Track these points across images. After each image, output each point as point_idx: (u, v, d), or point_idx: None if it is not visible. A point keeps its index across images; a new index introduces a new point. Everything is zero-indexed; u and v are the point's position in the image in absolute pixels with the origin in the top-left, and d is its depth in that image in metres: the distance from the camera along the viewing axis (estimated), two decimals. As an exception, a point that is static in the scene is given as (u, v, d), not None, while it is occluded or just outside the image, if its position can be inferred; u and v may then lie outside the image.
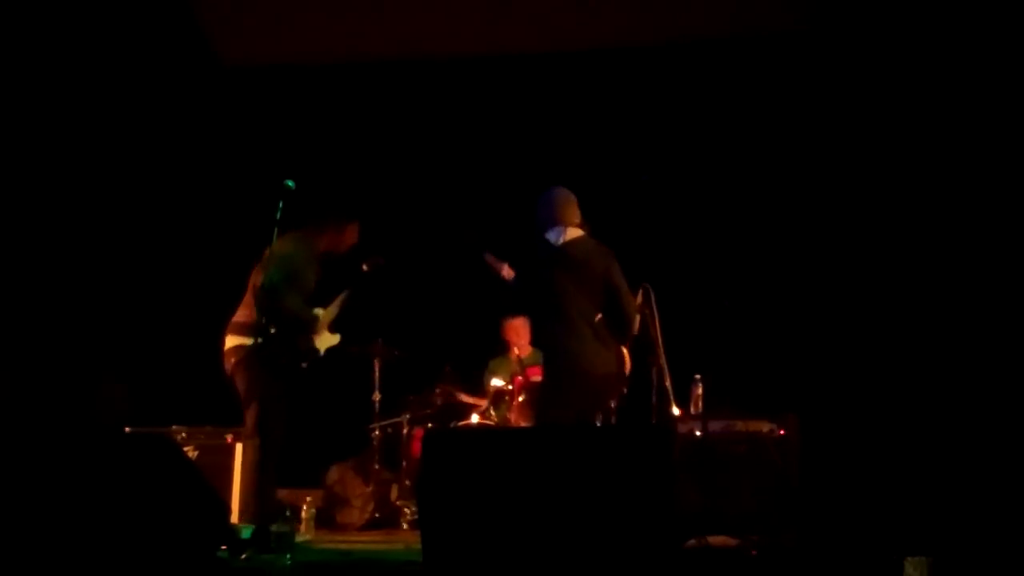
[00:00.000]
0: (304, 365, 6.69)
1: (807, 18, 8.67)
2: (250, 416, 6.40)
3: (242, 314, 6.52)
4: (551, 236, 6.10)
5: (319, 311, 6.77)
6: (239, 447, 7.25)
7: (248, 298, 6.54)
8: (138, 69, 8.58)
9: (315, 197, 6.69)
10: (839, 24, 8.51)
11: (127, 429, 7.23)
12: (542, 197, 6.28)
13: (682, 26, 8.98)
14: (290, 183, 6.24)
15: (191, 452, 7.21)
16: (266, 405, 6.31)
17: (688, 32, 9.03)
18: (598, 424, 6.21)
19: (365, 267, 7.04)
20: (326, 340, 6.88)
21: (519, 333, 8.45)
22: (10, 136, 7.29)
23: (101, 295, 8.25)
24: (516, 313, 8.42)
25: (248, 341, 6.37)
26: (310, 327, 6.70)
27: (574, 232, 6.11)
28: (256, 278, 6.49)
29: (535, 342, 6.95)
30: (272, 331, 6.27)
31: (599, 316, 6.00)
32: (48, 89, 7.62)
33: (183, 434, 7.43)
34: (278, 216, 6.19)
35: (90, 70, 8.07)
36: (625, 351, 6.22)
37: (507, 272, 6.48)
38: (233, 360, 6.45)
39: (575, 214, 6.19)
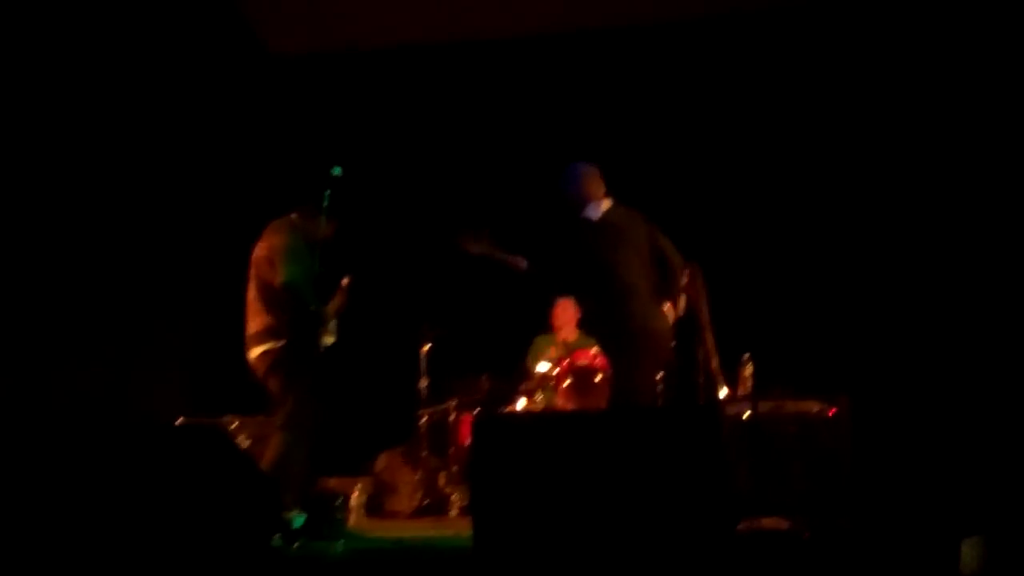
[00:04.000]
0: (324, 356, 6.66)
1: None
2: (284, 411, 6.37)
3: (257, 323, 6.44)
4: (590, 213, 6.33)
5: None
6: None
7: (257, 306, 6.44)
8: (186, 59, 8.61)
9: (362, 184, 6.68)
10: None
11: (180, 420, 7.29)
12: (566, 176, 6.46)
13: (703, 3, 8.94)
14: (337, 170, 6.24)
15: (243, 442, 7.25)
16: (300, 401, 6.28)
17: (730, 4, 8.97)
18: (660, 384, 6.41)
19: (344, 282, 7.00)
20: (330, 336, 6.78)
21: (568, 314, 8.42)
22: (64, 125, 7.33)
23: (154, 286, 8.30)
24: (561, 294, 8.40)
25: (272, 345, 6.37)
26: (325, 321, 6.64)
27: (607, 203, 6.37)
28: (261, 281, 6.45)
29: (593, 317, 6.87)
30: (299, 328, 6.29)
31: (648, 275, 6.24)
32: (98, 79, 7.66)
33: (235, 424, 7.47)
34: (325, 204, 6.20)
35: (138, 61, 8.10)
36: (671, 305, 6.38)
37: (521, 263, 6.46)
38: (263, 367, 6.41)
39: (600, 185, 6.43)
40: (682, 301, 6.34)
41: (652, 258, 6.30)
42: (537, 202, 8.25)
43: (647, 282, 6.24)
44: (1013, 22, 7.84)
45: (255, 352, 6.45)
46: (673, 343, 6.36)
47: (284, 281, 6.29)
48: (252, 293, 6.51)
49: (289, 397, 6.32)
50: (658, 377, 6.43)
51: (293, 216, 6.58)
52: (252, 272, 6.53)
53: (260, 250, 6.50)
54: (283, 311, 6.32)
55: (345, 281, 6.86)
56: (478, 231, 6.43)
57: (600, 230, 6.27)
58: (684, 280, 6.34)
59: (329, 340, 6.73)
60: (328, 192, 6.20)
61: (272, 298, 6.37)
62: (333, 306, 6.76)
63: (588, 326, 7.90)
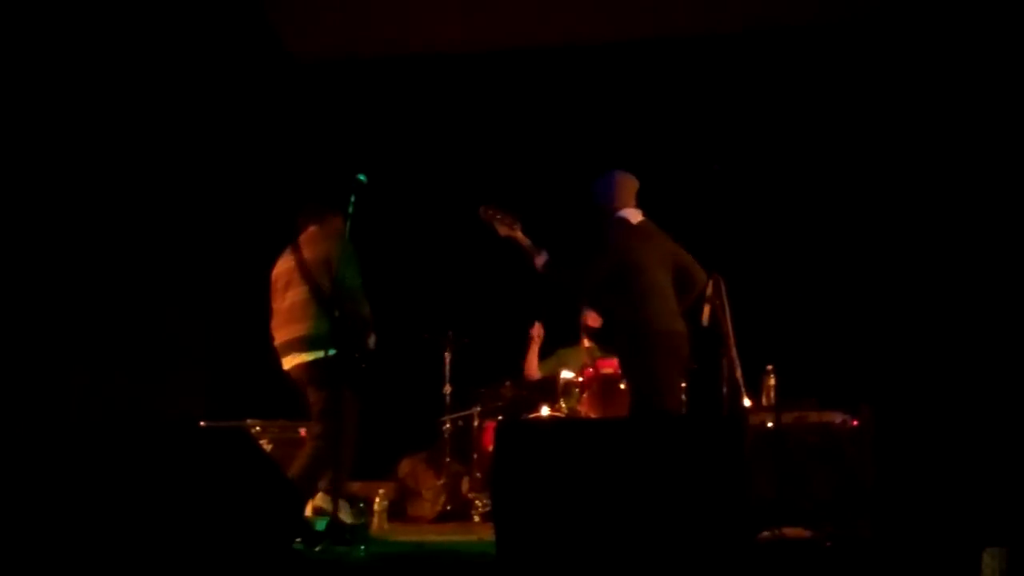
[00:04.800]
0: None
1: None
2: (323, 416, 6.38)
3: (299, 329, 6.44)
4: (627, 215, 6.40)
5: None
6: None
7: (309, 310, 6.43)
8: (211, 64, 8.67)
9: (387, 190, 6.70)
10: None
11: (202, 423, 7.33)
12: (607, 179, 6.54)
13: (763, 12, 8.95)
14: (362, 177, 6.25)
15: (265, 445, 7.28)
16: (340, 414, 6.25)
17: (766, 19, 8.98)
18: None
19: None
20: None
21: (597, 323, 8.39)
22: (89, 129, 7.40)
23: (175, 290, 8.35)
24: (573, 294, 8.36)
25: (312, 356, 6.37)
26: (371, 326, 6.62)
27: (639, 213, 6.47)
28: (312, 288, 6.45)
29: (614, 318, 6.79)
30: (348, 341, 6.29)
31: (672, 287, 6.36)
32: (123, 84, 7.72)
33: (257, 428, 7.51)
34: (350, 210, 6.22)
35: (165, 69, 8.16)
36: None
37: (540, 260, 6.43)
38: (304, 378, 6.42)
39: (634, 196, 6.52)
40: (706, 311, 6.34)
41: (675, 274, 6.38)
42: (560, 207, 8.29)
43: (672, 290, 6.33)
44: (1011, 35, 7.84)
45: (291, 361, 6.47)
46: (689, 352, 6.38)
47: (349, 285, 6.28)
48: (298, 297, 6.50)
49: (329, 412, 6.29)
50: (681, 384, 6.48)
51: (336, 221, 6.58)
52: (295, 277, 6.52)
53: (315, 253, 6.47)
54: (338, 320, 6.25)
55: None
56: (510, 214, 6.43)
57: (639, 234, 6.35)
58: (708, 290, 6.35)
59: (372, 343, 6.71)
60: (353, 198, 6.21)
61: (326, 305, 6.34)
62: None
63: (606, 328, 7.85)
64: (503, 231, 6.47)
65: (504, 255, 6.72)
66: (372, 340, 6.63)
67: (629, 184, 6.53)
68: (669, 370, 6.23)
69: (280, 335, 6.58)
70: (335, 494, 6.14)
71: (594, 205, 6.52)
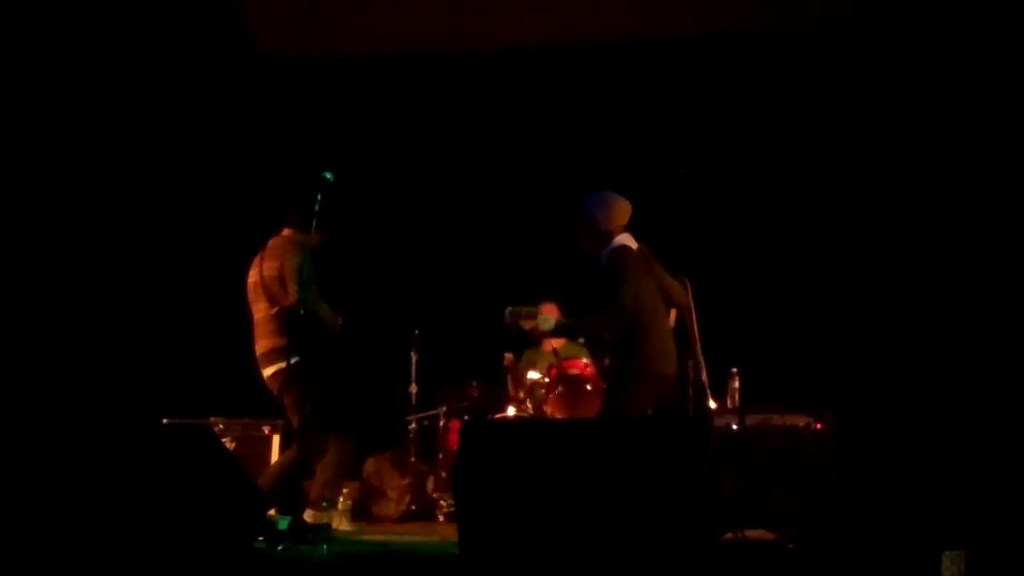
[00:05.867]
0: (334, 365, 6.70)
1: (846, 12, 8.63)
2: (301, 422, 6.35)
3: (267, 343, 6.46)
4: (627, 240, 6.13)
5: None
6: (276, 439, 7.28)
7: (269, 326, 6.44)
8: (179, 62, 8.64)
9: (353, 190, 6.68)
10: (876, 18, 8.47)
11: (165, 420, 7.29)
12: (604, 199, 6.23)
13: (717, 19, 8.96)
14: (329, 176, 6.24)
15: (228, 443, 7.26)
16: (315, 412, 6.27)
17: (723, 25, 9.00)
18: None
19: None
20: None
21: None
22: (47, 131, 7.36)
23: (138, 287, 8.31)
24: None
25: (275, 367, 6.40)
26: (335, 327, 6.63)
27: (634, 239, 6.18)
28: (272, 302, 6.45)
29: (616, 347, 6.32)
30: (309, 346, 6.32)
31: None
32: (90, 83, 7.68)
33: (220, 426, 7.49)
34: (316, 209, 6.20)
35: (130, 64, 8.12)
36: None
37: (532, 324, 6.27)
38: (277, 385, 6.43)
39: (626, 221, 6.23)
40: (672, 314, 6.33)
41: (664, 298, 6.19)
42: (528, 207, 8.30)
43: (669, 327, 6.15)
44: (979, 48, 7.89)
45: (267, 372, 6.49)
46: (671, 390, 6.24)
47: (299, 300, 6.28)
48: (261, 313, 6.51)
49: (303, 411, 6.31)
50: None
51: (288, 232, 6.57)
52: (258, 293, 6.53)
53: (268, 270, 6.50)
54: (297, 330, 6.31)
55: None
56: (528, 308, 6.28)
57: (641, 259, 6.09)
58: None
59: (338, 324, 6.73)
60: (319, 197, 6.20)
61: (285, 318, 6.37)
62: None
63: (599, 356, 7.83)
64: (529, 325, 6.31)
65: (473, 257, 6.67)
66: (339, 322, 6.64)
67: (625, 209, 6.21)
68: (647, 407, 6.09)
69: (256, 348, 6.59)
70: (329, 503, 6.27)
71: (584, 217, 6.22)
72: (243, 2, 9.06)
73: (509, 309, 6.26)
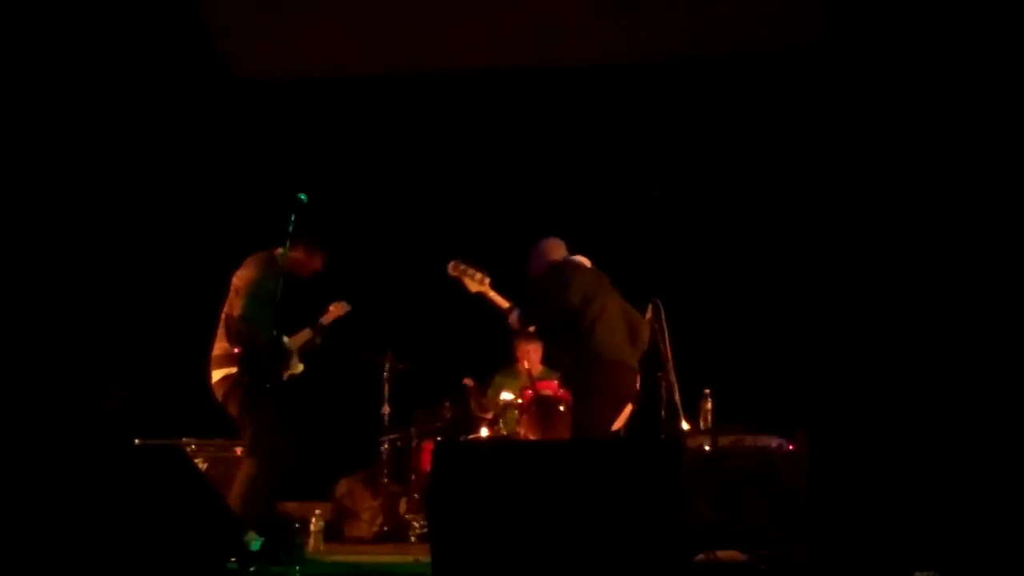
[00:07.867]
0: (285, 385, 6.72)
1: (820, 31, 8.69)
2: (246, 438, 6.43)
3: (220, 347, 6.53)
4: (579, 260, 6.29)
5: (286, 339, 6.78)
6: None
7: (221, 331, 6.54)
8: (150, 80, 8.62)
9: (326, 210, 6.69)
10: (851, 37, 8.53)
11: (137, 441, 7.26)
12: (535, 252, 6.44)
13: (693, 41, 9.01)
14: (303, 196, 6.25)
15: (201, 464, 7.22)
16: (259, 428, 6.30)
17: (699, 47, 9.06)
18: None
19: (331, 309, 7.15)
20: (293, 367, 6.86)
21: (531, 356, 8.31)
22: (22, 144, 7.34)
23: (110, 307, 8.27)
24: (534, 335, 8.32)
25: (229, 371, 6.44)
26: (284, 357, 6.71)
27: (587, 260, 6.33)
28: (230, 308, 6.52)
29: (570, 347, 6.41)
30: (252, 360, 6.34)
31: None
32: (62, 99, 7.67)
33: (192, 446, 7.45)
34: (290, 229, 6.21)
35: (102, 81, 8.11)
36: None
37: (513, 317, 6.34)
38: (221, 391, 6.47)
39: (562, 247, 6.44)
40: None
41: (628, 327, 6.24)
42: (500, 225, 8.30)
43: (623, 324, 6.21)
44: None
45: (215, 376, 6.52)
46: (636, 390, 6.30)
47: (240, 315, 6.37)
48: (222, 317, 6.58)
49: (248, 424, 6.37)
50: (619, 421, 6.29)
51: (277, 251, 6.56)
52: (230, 298, 6.58)
53: (235, 279, 6.56)
54: (238, 341, 6.41)
55: (308, 335, 6.99)
56: (480, 269, 6.35)
57: (596, 274, 6.25)
58: (647, 314, 6.36)
59: (296, 369, 6.83)
60: (293, 217, 6.21)
61: (231, 327, 6.46)
62: (294, 344, 6.85)
63: (554, 361, 7.88)
64: (473, 287, 6.38)
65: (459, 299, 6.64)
66: (290, 365, 6.75)
67: (554, 245, 6.41)
68: (609, 403, 6.09)
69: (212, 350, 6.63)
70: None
71: (530, 278, 6.40)
72: (214, 21, 9.06)
73: (453, 262, 6.38)
